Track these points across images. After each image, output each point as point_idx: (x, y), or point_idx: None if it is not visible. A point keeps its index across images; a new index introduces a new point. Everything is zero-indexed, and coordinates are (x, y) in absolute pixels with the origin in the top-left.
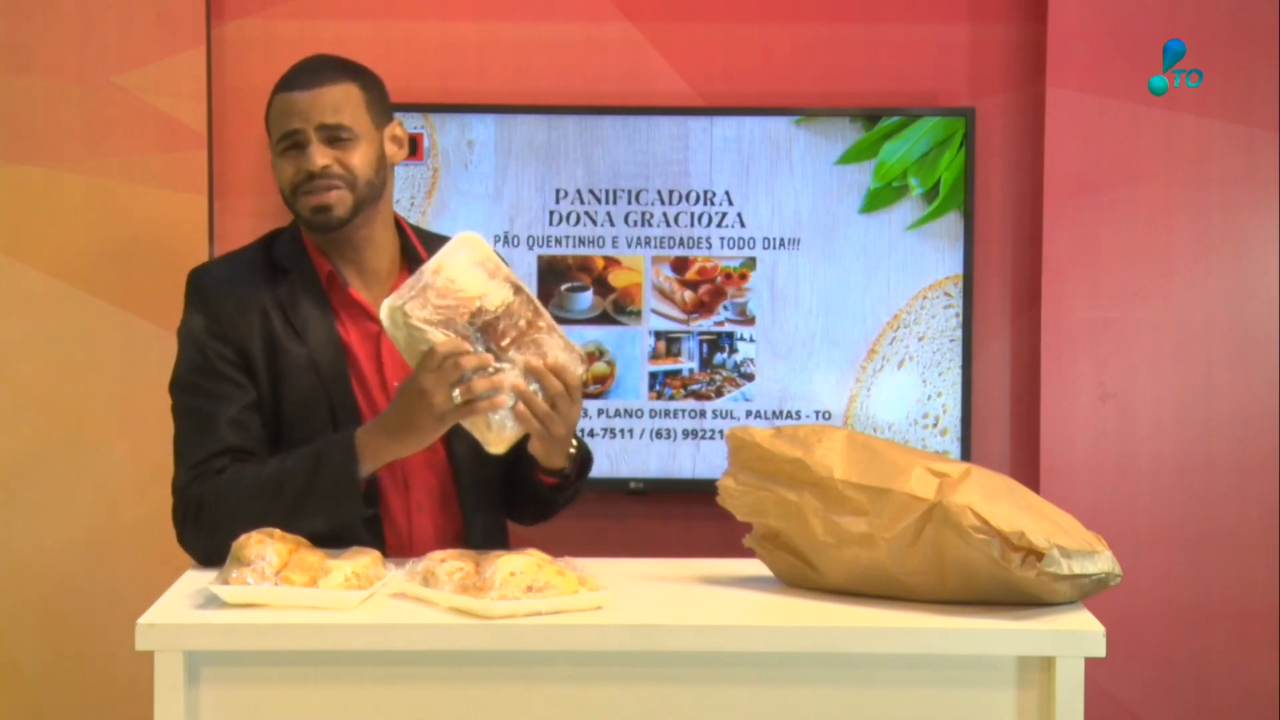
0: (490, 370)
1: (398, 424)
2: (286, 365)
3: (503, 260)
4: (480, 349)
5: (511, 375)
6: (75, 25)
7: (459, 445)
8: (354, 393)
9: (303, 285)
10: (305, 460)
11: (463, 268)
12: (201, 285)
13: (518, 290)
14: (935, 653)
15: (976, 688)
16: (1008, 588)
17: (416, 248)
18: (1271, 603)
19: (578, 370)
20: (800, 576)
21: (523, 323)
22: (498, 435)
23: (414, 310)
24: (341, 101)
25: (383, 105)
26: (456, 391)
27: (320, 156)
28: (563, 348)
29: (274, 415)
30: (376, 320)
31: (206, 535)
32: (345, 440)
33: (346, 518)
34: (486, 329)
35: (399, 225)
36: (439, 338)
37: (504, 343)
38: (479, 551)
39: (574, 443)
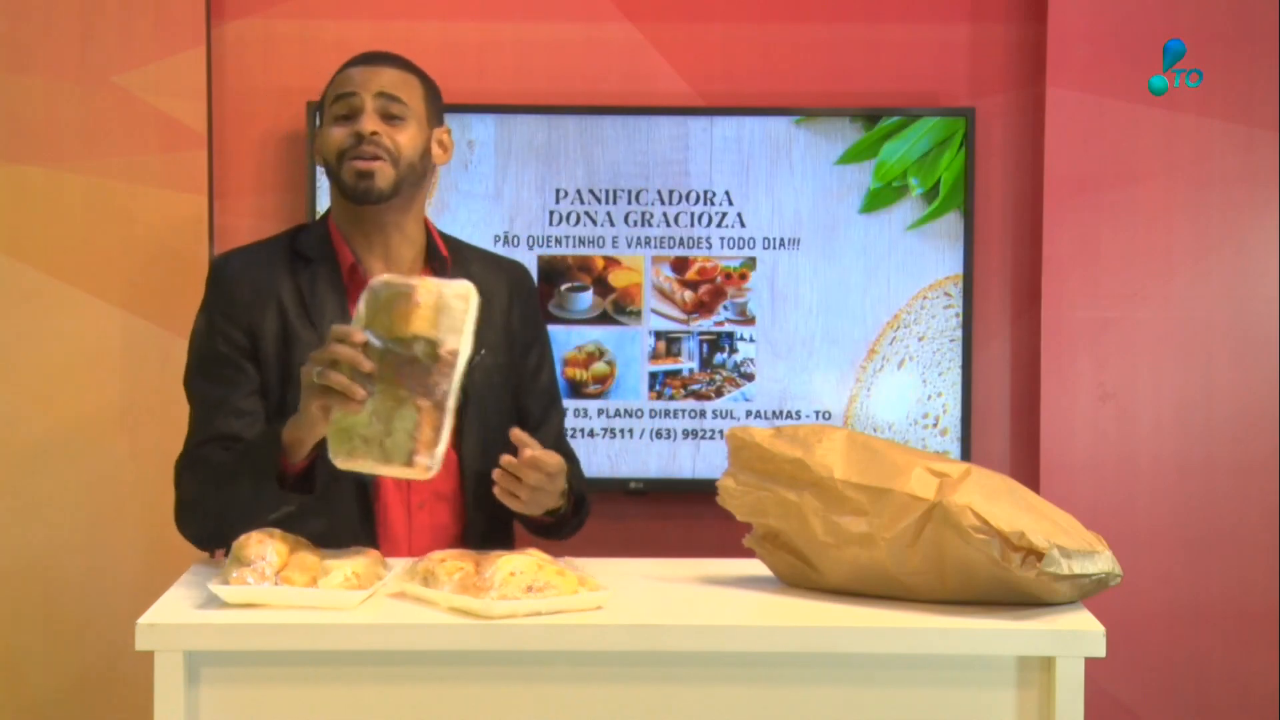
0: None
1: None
2: (299, 352)
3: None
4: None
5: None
6: (75, 25)
7: (467, 444)
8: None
9: (323, 274)
10: (246, 448)
11: (452, 308)
12: (219, 272)
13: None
14: (935, 653)
15: (976, 688)
16: (1008, 588)
17: (439, 247)
18: (1271, 603)
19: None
20: (800, 576)
21: (432, 376)
22: (351, 454)
23: (383, 284)
24: (400, 82)
25: (437, 106)
26: (316, 371)
27: (370, 122)
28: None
29: (283, 401)
30: None
31: (184, 521)
32: (275, 428)
33: (276, 503)
34: (411, 363)
35: (426, 225)
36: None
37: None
38: (480, 551)
39: (563, 488)
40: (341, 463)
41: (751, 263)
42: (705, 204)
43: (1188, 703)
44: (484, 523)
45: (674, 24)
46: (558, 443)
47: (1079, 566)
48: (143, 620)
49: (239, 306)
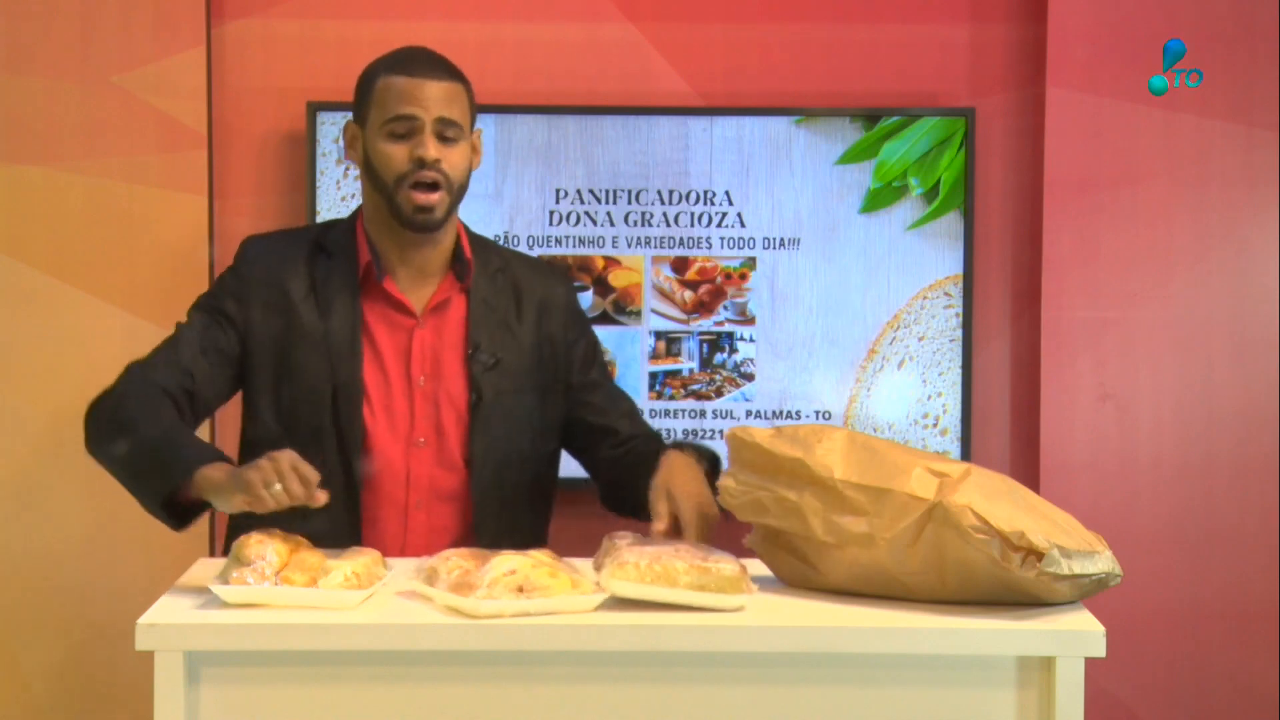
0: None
1: (231, 470)
2: (299, 337)
3: None
4: None
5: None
6: (75, 25)
7: (475, 445)
8: (362, 377)
9: (339, 269)
10: (162, 444)
11: None
12: (243, 252)
13: None
14: (935, 653)
15: (976, 688)
16: (1008, 588)
17: (465, 251)
18: (1271, 603)
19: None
20: (800, 576)
21: None
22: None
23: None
24: (454, 97)
25: (475, 110)
26: (278, 486)
27: (433, 149)
28: None
29: (278, 383)
30: (411, 314)
31: (89, 443)
32: (198, 459)
33: (147, 503)
34: None
35: (458, 227)
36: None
37: None
38: (490, 550)
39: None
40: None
41: (751, 263)
42: (705, 204)
43: (1188, 703)
44: (495, 525)
45: (674, 24)
46: (634, 419)
47: (1079, 566)
48: (143, 620)
49: (248, 284)
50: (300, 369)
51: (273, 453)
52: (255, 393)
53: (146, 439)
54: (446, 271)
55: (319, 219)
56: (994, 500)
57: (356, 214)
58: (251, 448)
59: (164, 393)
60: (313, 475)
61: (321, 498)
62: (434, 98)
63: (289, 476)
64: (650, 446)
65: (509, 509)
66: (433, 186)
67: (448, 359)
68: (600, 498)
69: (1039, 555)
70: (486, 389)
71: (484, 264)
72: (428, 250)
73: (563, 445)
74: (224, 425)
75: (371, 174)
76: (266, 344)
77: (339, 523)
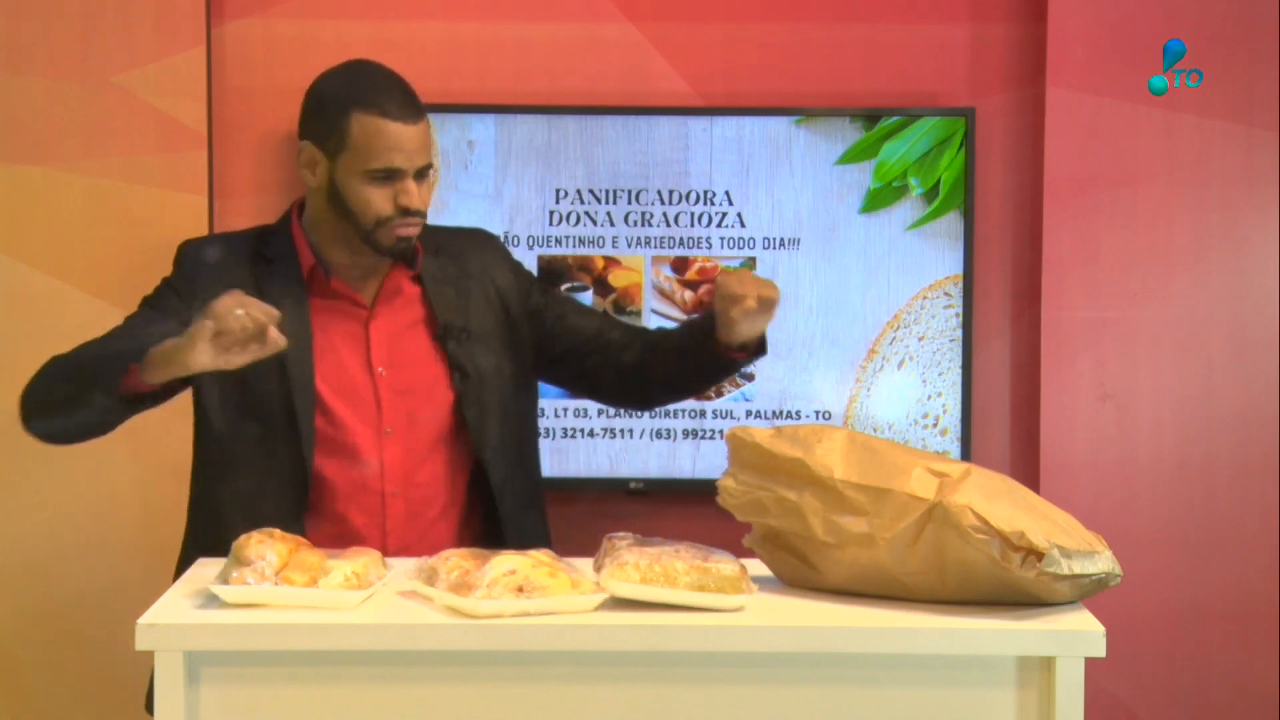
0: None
1: (179, 338)
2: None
3: None
4: None
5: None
6: (75, 25)
7: (470, 417)
8: (313, 375)
9: (282, 274)
10: (103, 343)
11: None
12: (184, 255)
13: None
14: (935, 653)
15: (976, 688)
16: (1008, 588)
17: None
18: (1271, 603)
19: None
20: (800, 576)
21: None
22: None
23: None
24: (428, 138)
25: None
26: (240, 310)
27: (419, 198)
28: None
29: (226, 385)
30: (364, 306)
31: (29, 408)
32: (142, 343)
33: (103, 409)
34: None
35: None
36: None
37: None
38: (491, 550)
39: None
40: None
41: (751, 263)
42: (705, 204)
43: (1188, 703)
44: (504, 492)
45: (674, 24)
46: (616, 324)
47: (1079, 566)
48: (143, 620)
49: (193, 285)
50: (250, 370)
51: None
52: (204, 394)
53: (82, 359)
54: (393, 261)
55: None
56: (994, 500)
57: (289, 220)
58: (205, 449)
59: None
60: (268, 308)
61: (277, 333)
62: (415, 146)
63: (249, 304)
64: (674, 332)
65: (513, 471)
66: (412, 224)
67: (410, 345)
68: (614, 399)
69: (1039, 555)
70: (465, 362)
71: (428, 245)
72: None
73: (560, 382)
74: None
75: (339, 205)
76: None
77: (292, 517)
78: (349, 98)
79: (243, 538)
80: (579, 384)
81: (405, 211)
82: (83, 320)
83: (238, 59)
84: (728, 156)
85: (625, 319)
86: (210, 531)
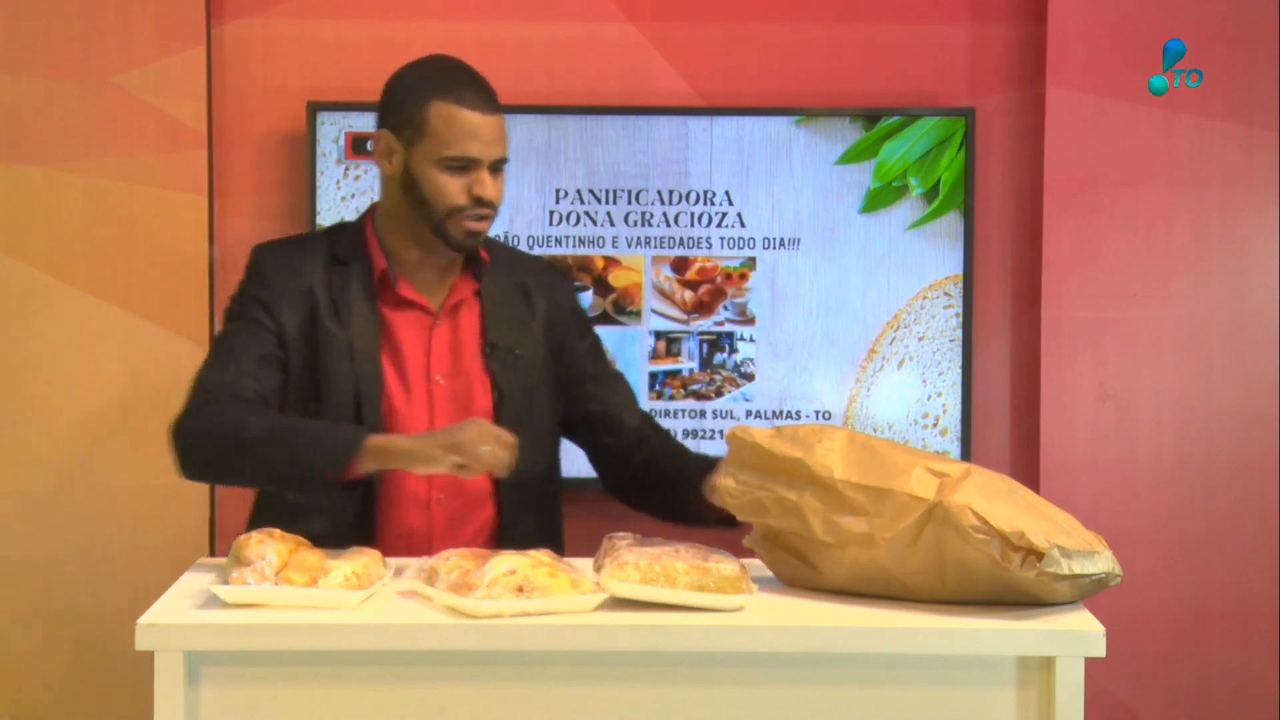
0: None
1: (423, 436)
2: (322, 343)
3: None
4: None
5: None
6: (75, 25)
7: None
8: (384, 380)
9: (355, 276)
10: (312, 426)
11: None
12: (258, 261)
13: None
14: (935, 653)
15: (976, 688)
16: (1008, 588)
17: (480, 251)
18: (1271, 603)
19: None
20: (800, 576)
21: None
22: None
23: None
24: (504, 133)
25: None
26: (487, 447)
27: (493, 189)
28: None
29: (305, 385)
30: (429, 313)
31: (195, 466)
32: (358, 429)
33: (318, 494)
34: None
35: None
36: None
37: None
38: (491, 550)
39: None
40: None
41: (751, 263)
42: (705, 204)
43: (1188, 703)
44: (528, 520)
45: (674, 24)
46: (637, 411)
47: (1079, 566)
48: (143, 620)
49: (273, 293)
50: (326, 372)
51: (466, 421)
52: (289, 396)
53: (282, 432)
54: (460, 271)
55: (319, 219)
56: (994, 500)
57: (365, 220)
58: None
59: (258, 400)
60: (508, 437)
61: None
62: (493, 138)
63: (493, 439)
64: (677, 463)
65: (532, 498)
66: (483, 217)
67: (466, 358)
68: (607, 485)
69: (1039, 555)
70: (505, 385)
71: (495, 260)
72: (444, 252)
73: (564, 434)
74: None
75: (413, 194)
76: (298, 347)
77: (350, 521)
78: (428, 87)
79: (242, 537)
80: (582, 447)
81: (479, 201)
82: (83, 320)
83: (238, 59)
84: (728, 156)
85: (625, 318)
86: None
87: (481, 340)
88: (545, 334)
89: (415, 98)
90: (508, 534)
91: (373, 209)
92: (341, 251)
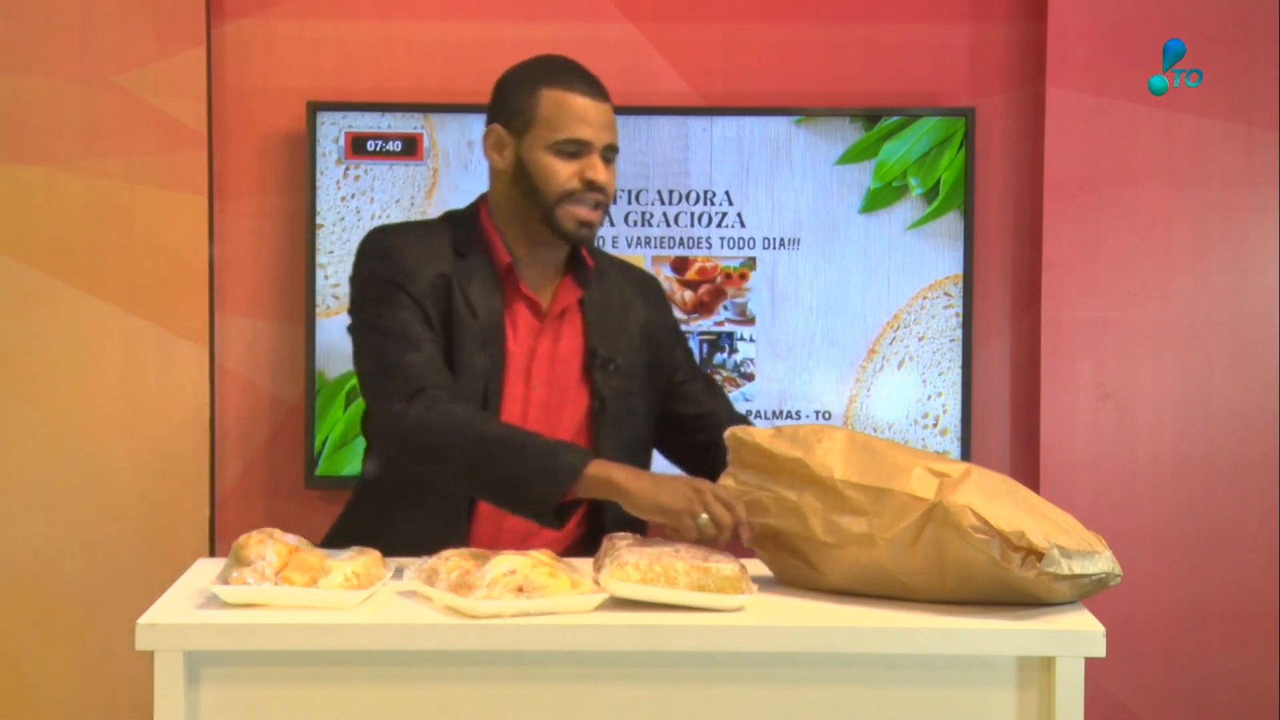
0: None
1: (645, 479)
2: (457, 332)
3: None
4: None
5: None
6: (75, 25)
7: (603, 450)
8: (504, 375)
9: (479, 268)
10: (540, 441)
11: None
12: (388, 242)
13: None
14: (935, 653)
15: (976, 688)
16: (1008, 588)
17: (585, 256)
18: (1271, 603)
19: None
20: (800, 576)
21: None
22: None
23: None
24: (614, 122)
25: None
26: (705, 516)
27: (604, 173)
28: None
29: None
30: (540, 315)
31: (413, 454)
32: (582, 453)
33: (529, 511)
34: None
35: None
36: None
37: None
38: (490, 550)
39: None
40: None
41: (751, 263)
42: (705, 204)
43: (1188, 703)
44: (618, 528)
45: (674, 24)
46: (733, 411)
47: (1079, 566)
48: (143, 620)
49: (411, 279)
50: (459, 363)
51: (692, 481)
52: None
53: (510, 442)
54: (564, 274)
55: (319, 219)
56: (994, 500)
57: (478, 212)
58: None
59: (454, 390)
60: (734, 509)
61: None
62: (605, 123)
63: (717, 506)
64: None
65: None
66: (596, 205)
67: (562, 365)
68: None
69: (1039, 555)
70: (607, 392)
71: (599, 267)
72: (558, 250)
73: (657, 441)
74: (224, 427)
75: (525, 182)
76: (439, 334)
77: (451, 515)
78: (538, 77)
79: (243, 537)
80: (676, 449)
81: (590, 185)
82: (83, 320)
83: (238, 59)
84: (728, 156)
85: None
86: (379, 506)
87: (584, 349)
88: (644, 343)
89: (525, 88)
90: (580, 540)
91: (483, 202)
92: (463, 244)
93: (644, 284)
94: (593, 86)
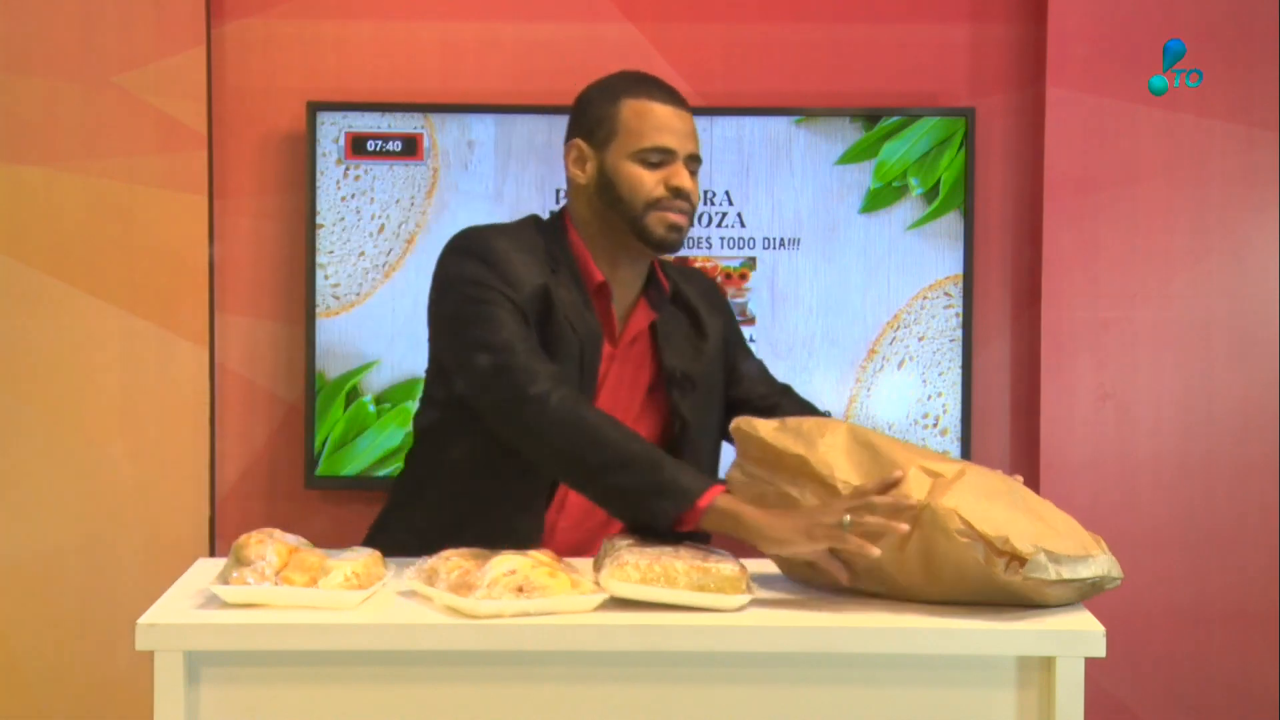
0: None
1: (766, 516)
2: (554, 344)
3: None
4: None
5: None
6: (75, 25)
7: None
8: (596, 394)
9: (571, 282)
10: (670, 462)
11: None
12: (491, 244)
13: None
14: (935, 653)
15: (976, 688)
16: (999, 590)
17: (660, 278)
18: (1271, 603)
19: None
20: (802, 573)
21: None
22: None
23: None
24: (696, 131)
25: None
26: (848, 517)
27: (689, 180)
28: None
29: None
30: (614, 339)
31: (545, 440)
32: (709, 483)
33: (645, 523)
34: None
35: None
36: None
37: None
38: (490, 550)
39: None
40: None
41: (751, 263)
42: (705, 204)
43: (1188, 703)
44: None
45: (674, 24)
46: (802, 403)
47: (1068, 571)
48: (143, 620)
49: (514, 286)
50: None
51: (812, 514)
52: None
53: (644, 457)
54: (640, 294)
55: (319, 219)
56: (987, 501)
57: (564, 225)
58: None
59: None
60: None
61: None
62: (688, 132)
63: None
64: None
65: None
66: (681, 211)
67: (629, 391)
68: None
69: (1022, 560)
70: (688, 413)
71: (672, 285)
72: (639, 267)
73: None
74: (224, 427)
75: (609, 193)
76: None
77: (529, 505)
78: (619, 88)
79: (243, 537)
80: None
81: (676, 193)
82: (83, 320)
83: (238, 59)
84: (728, 156)
85: None
86: (441, 501)
87: (654, 371)
88: (717, 355)
89: (607, 99)
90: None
91: (565, 216)
92: (552, 255)
93: (710, 293)
94: (673, 96)
